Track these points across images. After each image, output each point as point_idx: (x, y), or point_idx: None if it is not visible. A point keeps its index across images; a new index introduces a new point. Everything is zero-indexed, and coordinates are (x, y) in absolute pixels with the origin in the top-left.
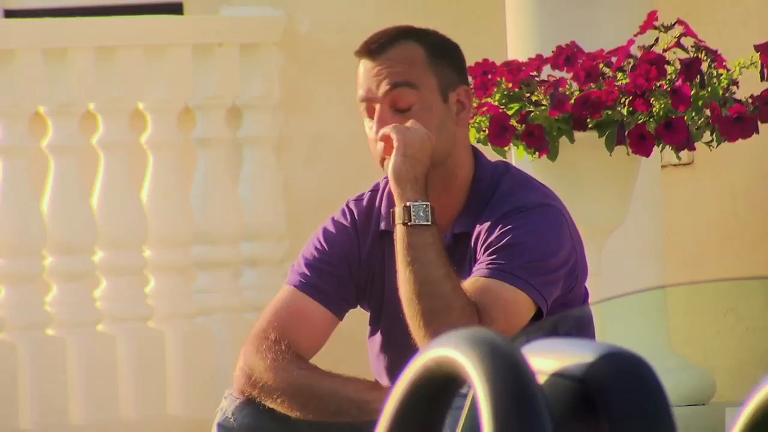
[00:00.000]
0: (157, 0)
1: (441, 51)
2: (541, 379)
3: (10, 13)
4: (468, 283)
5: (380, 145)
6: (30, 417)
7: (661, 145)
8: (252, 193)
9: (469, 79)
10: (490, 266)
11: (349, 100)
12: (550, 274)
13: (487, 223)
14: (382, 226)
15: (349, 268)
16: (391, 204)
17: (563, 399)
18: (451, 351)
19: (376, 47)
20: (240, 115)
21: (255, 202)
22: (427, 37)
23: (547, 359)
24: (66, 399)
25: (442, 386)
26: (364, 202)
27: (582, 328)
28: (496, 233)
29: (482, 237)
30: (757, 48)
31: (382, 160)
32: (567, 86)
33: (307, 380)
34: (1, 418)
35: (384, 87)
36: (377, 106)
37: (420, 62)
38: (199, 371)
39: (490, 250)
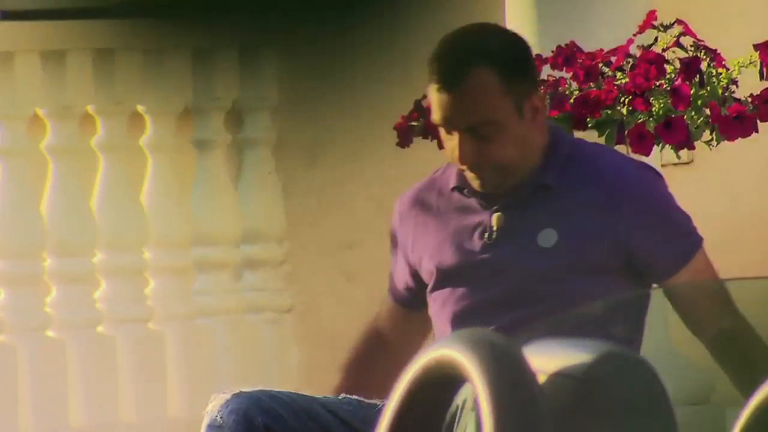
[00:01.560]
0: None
1: (514, 66)
2: (541, 378)
3: (7, 15)
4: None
5: (463, 167)
6: (30, 419)
7: (660, 144)
8: (251, 195)
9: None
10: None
11: (348, 101)
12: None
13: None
14: (453, 183)
15: (405, 257)
16: (460, 175)
17: (563, 398)
18: (451, 351)
19: (450, 80)
20: (239, 118)
21: (254, 204)
22: (499, 51)
23: (547, 359)
24: (66, 401)
25: (442, 386)
26: (415, 186)
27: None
28: (647, 216)
29: (623, 215)
30: (756, 47)
31: (462, 170)
32: (566, 86)
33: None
34: (1, 420)
35: (461, 123)
36: (456, 132)
37: (495, 90)
38: (199, 373)
39: (661, 239)
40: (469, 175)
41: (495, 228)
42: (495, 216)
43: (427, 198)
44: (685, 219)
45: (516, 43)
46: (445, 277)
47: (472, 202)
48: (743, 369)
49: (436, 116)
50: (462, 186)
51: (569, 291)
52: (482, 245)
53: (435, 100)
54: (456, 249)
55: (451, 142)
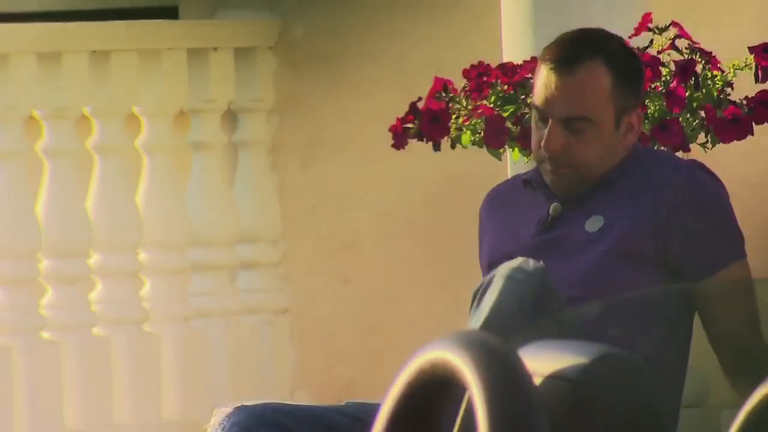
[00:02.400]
0: (151, 4)
1: (626, 75)
2: (537, 380)
3: (2, 17)
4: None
5: (542, 153)
6: (25, 420)
7: (656, 146)
8: (247, 196)
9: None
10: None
11: (343, 103)
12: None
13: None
14: (527, 177)
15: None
16: (538, 173)
17: (559, 400)
18: (446, 353)
19: (563, 63)
20: (235, 119)
21: (250, 205)
22: (615, 55)
23: (543, 361)
24: (61, 402)
25: (437, 388)
26: (501, 183)
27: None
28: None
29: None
30: (751, 50)
31: (540, 161)
32: None
33: None
34: None
35: (562, 112)
36: (550, 120)
37: (603, 91)
38: (195, 375)
39: (702, 244)
40: (545, 168)
41: (551, 217)
42: (552, 206)
43: (504, 194)
44: (732, 229)
45: (634, 57)
46: (495, 263)
47: (538, 194)
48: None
49: (538, 98)
50: (533, 179)
51: (610, 277)
52: (535, 233)
53: (543, 81)
54: (511, 237)
55: (541, 131)
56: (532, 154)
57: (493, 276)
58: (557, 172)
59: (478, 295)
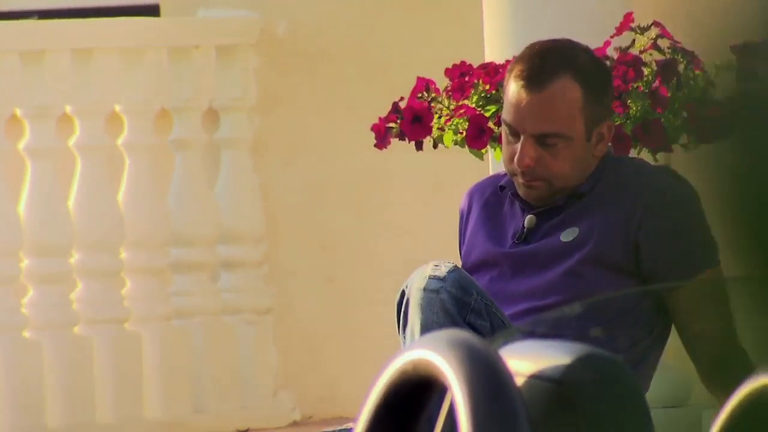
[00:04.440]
0: (133, 2)
1: (596, 87)
2: (519, 381)
3: None
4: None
5: (515, 167)
6: (6, 419)
7: (638, 146)
8: (229, 196)
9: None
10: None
11: (325, 101)
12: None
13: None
14: (503, 183)
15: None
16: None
17: (541, 401)
18: (428, 353)
19: (533, 80)
20: (217, 117)
21: (232, 205)
22: (584, 68)
23: (525, 361)
24: (43, 401)
25: (419, 388)
26: (484, 179)
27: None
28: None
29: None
30: (733, 50)
31: (513, 175)
32: None
33: None
34: None
35: (534, 129)
36: (522, 136)
37: (574, 106)
38: (176, 374)
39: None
40: (518, 181)
41: (526, 228)
42: (527, 218)
43: (484, 193)
44: (704, 236)
45: (602, 67)
46: (474, 267)
47: (515, 203)
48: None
49: (508, 115)
50: (508, 187)
51: (586, 285)
52: (511, 244)
53: (513, 98)
54: (487, 247)
55: (512, 145)
56: (504, 166)
57: (410, 290)
58: (530, 185)
59: (402, 313)
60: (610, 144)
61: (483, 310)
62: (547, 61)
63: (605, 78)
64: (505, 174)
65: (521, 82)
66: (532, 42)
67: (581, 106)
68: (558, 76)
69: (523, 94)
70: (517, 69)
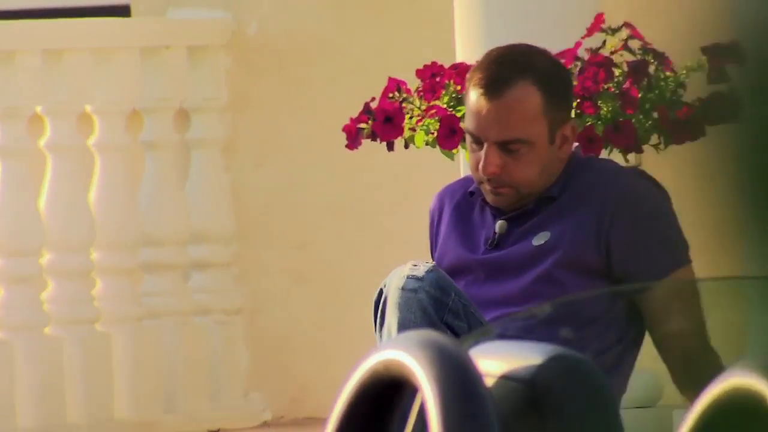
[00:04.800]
0: (103, 2)
1: (556, 90)
2: (489, 381)
3: None
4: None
5: (481, 174)
6: None
7: (609, 147)
8: (200, 196)
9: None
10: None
11: (297, 102)
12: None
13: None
14: (473, 189)
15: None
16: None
17: (511, 401)
18: (399, 353)
19: (492, 88)
20: (188, 118)
21: (203, 205)
22: (544, 72)
23: (495, 361)
24: (13, 402)
25: (390, 388)
26: (454, 181)
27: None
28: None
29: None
30: (704, 50)
31: (480, 183)
32: None
33: None
34: None
35: (497, 136)
36: (486, 144)
37: (535, 111)
38: (147, 375)
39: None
40: (485, 189)
41: (497, 234)
42: (499, 224)
43: (455, 196)
44: (675, 236)
45: (561, 69)
46: (447, 274)
47: (486, 210)
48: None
49: (470, 123)
50: (478, 193)
51: (558, 288)
52: (483, 251)
53: (474, 106)
54: (460, 253)
55: (477, 153)
56: (471, 174)
57: (388, 289)
58: (497, 192)
59: (379, 312)
60: (578, 145)
61: (461, 311)
62: (504, 68)
63: (565, 80)
64: (473, 183)
65: (480, 90)
66: (490, 49)
67: (542, 110)
68: (516, 82)
69: (483, 102)
70: (476, 77)
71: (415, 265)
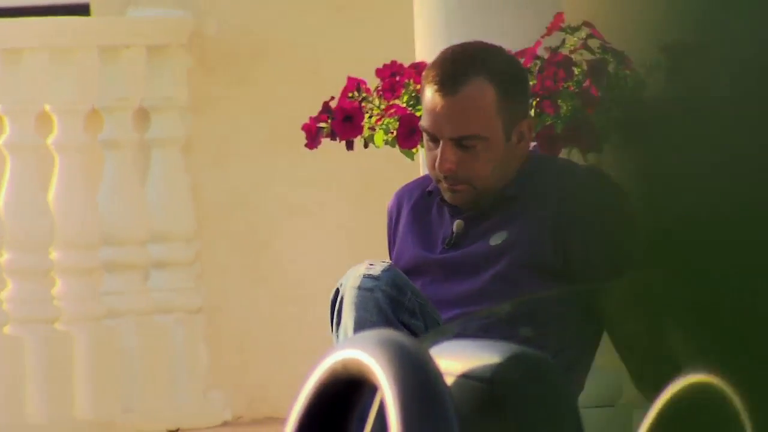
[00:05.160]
0: (63, 1)
1: (511, 86)
2: (449, 380)
3: None
4: None
5: (438, 172)
6: None
7: (568, 146)
8: (160, 195)
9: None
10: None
11: (256, 101)
12: None
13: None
14: (431, 188)
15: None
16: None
17: (471, 400)
18: (358, 352)
19: (447, 85)
20: (147, 117)
21: (163, 204)
22: (498, 68)
23: (455, 361)
24: None
25: (349, 387)
26: (411, 181)
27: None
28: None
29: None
30: (663, 49)
31: (437, 180)
32: None
33: None
34: None
35: (452, 133)
36: (441, 141)
37: (489, 107)
38: (107, 374)
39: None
40: (443, 186)
41: (455, 233)
42: (456, 223)
43: (413, 195)
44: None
45: (517, 66)
46: (404, 273)
47: (444, 210)
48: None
49: (426, 122)
50: (436, 192)
51: (515, 289)
52: (440, 250)
53: (429, 104)
54: (417, 252)
55: (433, 151)
56: (429, 172)
57: (344, 288)
58: (454, 189)
59: (336, 312)
60: (536, 144)
61: (417, 310)
62: (459, 65)
63: (520, 76)
64: (431, 183)
65: (435, 87)
66: (447, 47)
67: (497, 106)
68: (470, 79)
69: (438, 99)
70: (430, 75)
71: (372, 265)
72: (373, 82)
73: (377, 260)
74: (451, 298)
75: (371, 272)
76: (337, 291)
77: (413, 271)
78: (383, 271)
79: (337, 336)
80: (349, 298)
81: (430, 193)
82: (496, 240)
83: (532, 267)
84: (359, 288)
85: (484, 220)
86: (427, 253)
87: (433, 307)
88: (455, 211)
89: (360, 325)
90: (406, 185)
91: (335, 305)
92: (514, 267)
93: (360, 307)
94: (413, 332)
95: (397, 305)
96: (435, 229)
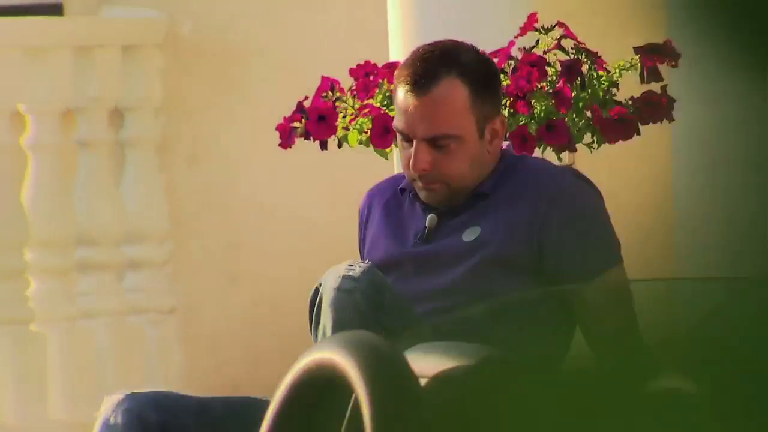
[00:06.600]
0: (36, 1)
1: (482, 85)
2: (423, 382)
3: None
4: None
5: (412, 172)
6: None
7: (542, 146)
8: (134, 195)
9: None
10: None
11: (230, 101)
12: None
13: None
14: (404, 186)
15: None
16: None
17: (444, 401)
18: (332, 354)
19: (418, 85)
20: (121, 117)
21: (137, 204)
22: (469, 67)
23: (429, 363)
24: None
25: (324, 389)
26: (383, 180)
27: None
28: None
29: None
30: (636, 50)
31: (412, 180)
32: None
33: None
34: None
35: (425, 133)
36: (415, 141)
37: (462, 106)
38: (81, 375)
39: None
40: (418, 186)
41: (427, 228)
42: (429, 218)
43: (384, 195)
44: (607, 235)
45: (488, 64)
46: (376, 267)
47: (417, 205)
48: None
49: (399, 122)
50: (409, 189)
51: (487, 285)
52: (413, 244)
53: (401, 104)
54: (389, 248)
55: (407, 151)
56: (403, 172)
57: (324, 288)
58: (429, 189)
59: (315, 311)
60: (510, 142)
61: (396, 311)
62: (430, 64)
63: (492, 74)
64: (404, 176)
65: (407, 87)
66: (418, 46)
67: (469, 104)
68: (442, 78)
69: (410, 99)
70: (402, 75)
71: (351, 266)
72: (347, 82)
73: (357, 261)
74: (421, 292)
75: (351, 273)
76: (317, 291)
77: (385, 265)
78: (363, 272)
79: (316, 336)
80: (328, 299)
81: (402, 190)
82: (469, 236)
83: (505, 264)
84: (338, 289)
85: (458, 216)
86: (399, 247)
87: (411, 307)
88: (428, 206)
89: (339, 327)
90: (378, 185)
91: (314, 305)
92: (487, 263)
93: (339, 308)
94: (392, 333)
95: (376, 306)
96: (407, 224)
